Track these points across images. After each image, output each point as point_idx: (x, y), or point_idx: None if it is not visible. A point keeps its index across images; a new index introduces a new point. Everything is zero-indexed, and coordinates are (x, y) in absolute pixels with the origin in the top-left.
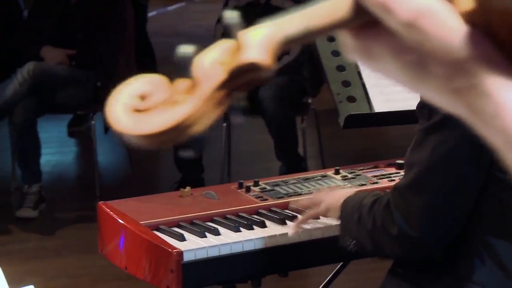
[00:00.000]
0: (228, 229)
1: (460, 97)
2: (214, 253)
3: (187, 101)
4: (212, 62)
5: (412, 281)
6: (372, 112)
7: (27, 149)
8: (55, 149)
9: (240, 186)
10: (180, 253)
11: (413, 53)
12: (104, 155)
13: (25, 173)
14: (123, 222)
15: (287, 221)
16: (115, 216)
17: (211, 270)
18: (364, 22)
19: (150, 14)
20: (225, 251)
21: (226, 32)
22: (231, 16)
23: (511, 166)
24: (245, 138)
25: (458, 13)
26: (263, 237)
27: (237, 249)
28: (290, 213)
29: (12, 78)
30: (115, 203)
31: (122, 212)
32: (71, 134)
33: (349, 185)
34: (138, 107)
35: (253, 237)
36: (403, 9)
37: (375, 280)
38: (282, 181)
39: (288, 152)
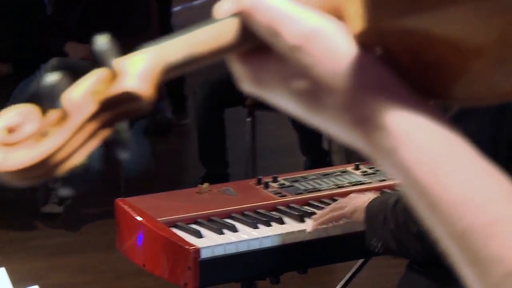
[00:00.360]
0: (245, 225)
1: (357, 130)
2: (231, 250)
3: (56, 134)
4: (83, 92)
5: (431, 276)
6: None
7: None
8: None
9: (259, 182)
10: (198, 250)
11: (303, 81)
12: (129, 150)
13: None
14: (140, 219)
15: (306, 218)
16: (132, 213)
17: (228, 267)
18: (253, 47)
19: (175, 9)
20: (242, 248)
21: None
22: (102, 41)
23: (415, 207)
24: (270, 133)
25: (351, 36)
26: (281, 234)
27: (255, 246)
28: (308, 210)
29: (36, 74)
30: (133, 200)
31: (140, 209)
32: None
33: (369, 180)
34: (6, 141)
35: (271, 233)
36: (290, 33)
37: (396, 276)
38: (301, 177)
39: (312, 146)
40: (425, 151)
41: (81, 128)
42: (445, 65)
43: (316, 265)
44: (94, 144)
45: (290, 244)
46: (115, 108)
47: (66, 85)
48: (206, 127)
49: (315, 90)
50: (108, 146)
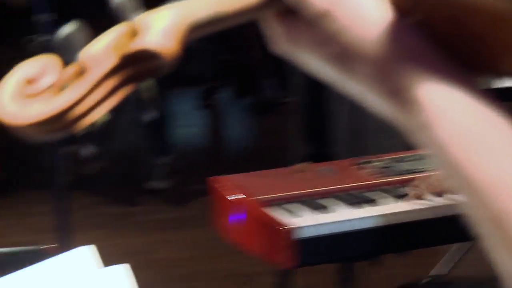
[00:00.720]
0: (342, 206)
1: (389, 101)
2: (328, 230)
3: (74, 88)
4: (104, 46)
5: None
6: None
7: (157, 121)
8: (185, 121)
9: (357, 162)
10: (293, 230)
11: (333, 47)
12: (233, 128)
13: (155, 145)
14: (233, 198)
15: (402, 200)
16: (225, 191)
17: (325, 248)
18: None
19: None
20: (338, 228)
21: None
22: None
23: (448, 182)
24: (373, 112)
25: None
26: (377, 215)
27: (351, 226)
28: (405, 192)
29: None
30: (227, 178)
31: (234, 188)
32: (204, 106)
33: None
34: (24, 92)
35: (367, 214)
36: None
37: None
38: (400, 157)
39: None
40: (460, 128)
41: (100, 83)
42: (491, 38)
43: (415, 247)
44: (114, 101)
45: (387, 226)
46: (136, 65)
47: (84, 36)
48: (309, 106)
49: (345, 58)
50: (214, 124)
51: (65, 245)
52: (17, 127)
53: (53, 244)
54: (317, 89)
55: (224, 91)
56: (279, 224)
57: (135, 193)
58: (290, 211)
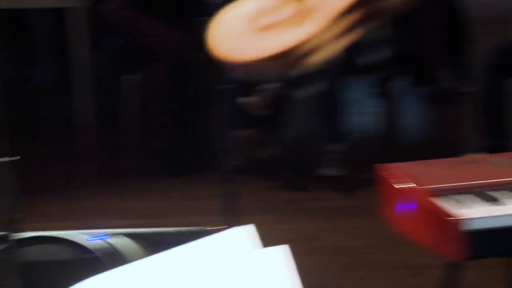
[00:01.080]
0: None
1: None
2: (499, 223)
3: (308, 23)
4: None
5: None
6: None
7: (331, 108)
8: (359, 109)
9: None
10: (463, 221)
11: None
12: (408, 117)
13: (329, 132)
14: (401, 186)
15: None
16: (393, 179)
17: (495, 241)
18: None
19: None
20: (511, 221)
21: None
22: None
23: None
24: None
25: None
26: None
27: None
28: None
29: None
30: (395, 166)
31: (402, 176)
32: (380, 94)
33: None
34: (256, 26)
35: None
36: None
37: None
38: None
39: None
40: None
41: (336, 19)
42: None
43: None
44: (346, 40)
45: None
46: (370, 3)
47: None
48: (488, 96)
49: None
50: (389, 112)
51: (232, 228)
52: (246, 62)
53: (220, 226)
54: (497, 80)
55: (400, 79)
56: (449, 215)
57: (305, 180)
58: (460, 202)
